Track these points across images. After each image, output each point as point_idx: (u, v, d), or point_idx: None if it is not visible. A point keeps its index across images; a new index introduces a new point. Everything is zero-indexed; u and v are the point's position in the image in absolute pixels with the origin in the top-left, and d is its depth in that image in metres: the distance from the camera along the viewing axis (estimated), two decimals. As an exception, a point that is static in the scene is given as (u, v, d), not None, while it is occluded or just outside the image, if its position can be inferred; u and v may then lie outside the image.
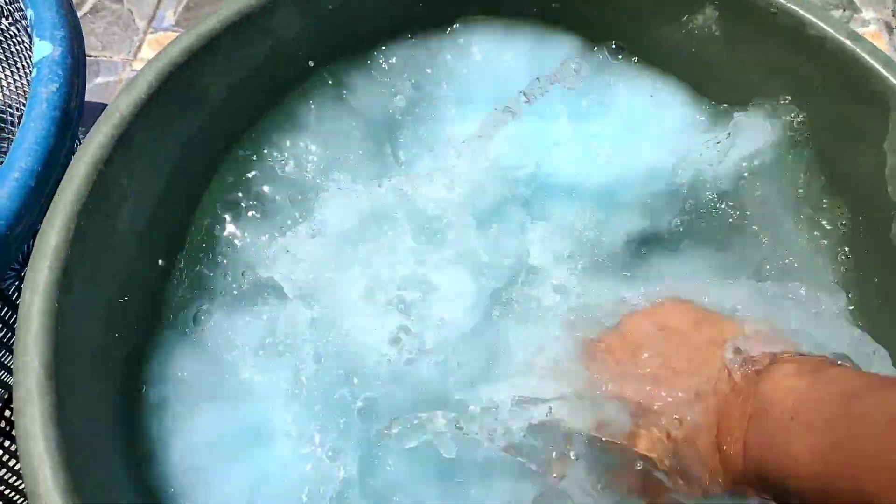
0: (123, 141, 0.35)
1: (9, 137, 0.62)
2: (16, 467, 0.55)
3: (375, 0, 0.46)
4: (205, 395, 0.36)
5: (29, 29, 0.44)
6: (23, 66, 0.56)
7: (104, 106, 0.40)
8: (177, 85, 0.38)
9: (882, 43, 0.83)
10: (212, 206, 0.42)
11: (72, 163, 0.33)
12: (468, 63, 0.48)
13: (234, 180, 0.42)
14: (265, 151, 0.43)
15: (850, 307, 0.41)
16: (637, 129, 0.46)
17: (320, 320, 0.37)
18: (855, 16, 0.86)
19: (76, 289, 0.31)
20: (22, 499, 0.55)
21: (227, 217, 0.41)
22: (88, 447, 0.30)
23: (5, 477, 0.55)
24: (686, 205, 0.44)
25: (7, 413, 0.55)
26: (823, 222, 0.44)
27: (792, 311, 0.36)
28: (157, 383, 0.36)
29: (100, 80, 0.80)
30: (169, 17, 0.86)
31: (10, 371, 0.48)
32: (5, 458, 0.55)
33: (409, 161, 0.45)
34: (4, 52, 0.57)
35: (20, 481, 0.56)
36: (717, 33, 0.46)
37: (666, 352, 0.34)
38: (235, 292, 0.38)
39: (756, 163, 0.44)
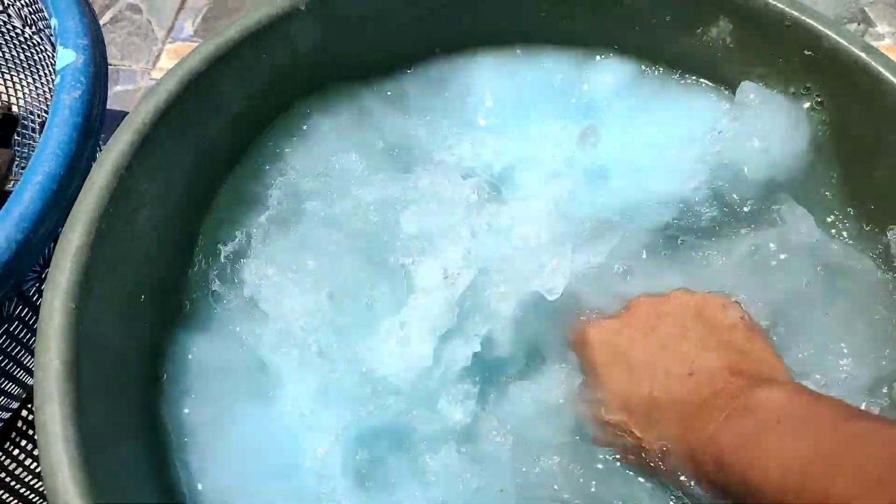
0: (143, 147, 0.35)
1: (29, 143, 0.63)
2: (32, 467, 0.56)
3: (395, 23, 0.47)
4: (224, 390, 0.36)
5: (52, 38, 0.45)
6: (43, 73, 0.58)
7: (124, 113, 0.40)
8: (196, 93, 0.39)
9: (897, 56, 0.82)
10: (227, 210, 0.42)
11: (93, 168, 0.34)
12: (481, 85, 0.49)
13: (249, 186, 0.43)
14: (279, 159, 0.44)
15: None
16: (662, 139, 0.47)
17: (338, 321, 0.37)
18: (870, 29, 0.85)
19: (96, 290, 0.32)
20: (41, 500, 0.56)
21: (242, 221, 0.41)
22: (108, 445, 0.30)
23: (24, 478, 0.56)
24: (711, 206, 0.45)
25: (24, 413, 0.56)
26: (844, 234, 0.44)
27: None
28: (176, 381, 0.36)
29: (119, 88, 0.81)
30: (188, 27, 0.87)
31: (29, 372, 0.49)
32: (22, 458, 0.56)
33: (418, 174, 0.46)
34: (27, 61, 0.58)
35: (38, 481, 0.56)
36: (731, 45, 0.47)
37: (672, 334, 0.34)
38: (250, 293, 0.38)
39: (772, 174, 0.44)
